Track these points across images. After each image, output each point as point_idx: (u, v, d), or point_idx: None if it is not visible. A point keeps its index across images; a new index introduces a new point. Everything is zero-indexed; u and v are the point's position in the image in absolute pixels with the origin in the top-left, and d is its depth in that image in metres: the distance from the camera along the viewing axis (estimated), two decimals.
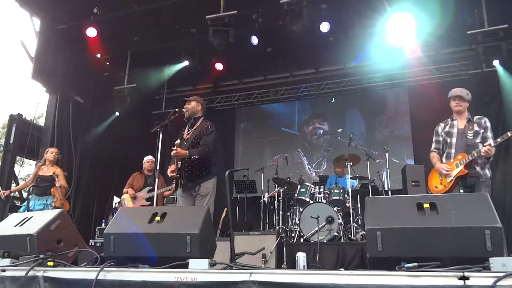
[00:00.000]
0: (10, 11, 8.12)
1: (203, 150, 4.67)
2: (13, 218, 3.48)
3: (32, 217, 3.35)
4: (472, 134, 4.34)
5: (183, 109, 4.94)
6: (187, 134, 4.88)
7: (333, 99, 10.20)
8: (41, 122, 9.09)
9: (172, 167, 4.81)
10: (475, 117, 4.47)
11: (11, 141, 7.99)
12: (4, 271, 2.76)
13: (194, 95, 5.30)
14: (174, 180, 4.86)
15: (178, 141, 4.65)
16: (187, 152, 4.57)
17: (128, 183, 7.12)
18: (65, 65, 8.31)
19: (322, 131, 10.19)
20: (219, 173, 4.88)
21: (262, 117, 10.85)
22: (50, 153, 6.66)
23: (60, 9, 7.98)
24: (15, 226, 3.29)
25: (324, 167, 9.79)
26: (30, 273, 2.63)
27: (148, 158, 7.22)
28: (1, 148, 15.94)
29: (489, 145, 4.08)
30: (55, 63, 8.14)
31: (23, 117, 8.31)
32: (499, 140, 4.14)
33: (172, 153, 4.54)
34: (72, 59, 8.45)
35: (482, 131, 4.34)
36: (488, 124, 4.39)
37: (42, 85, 8.28)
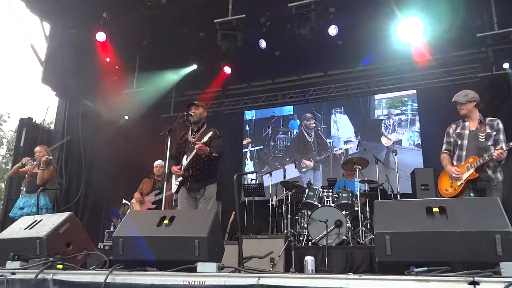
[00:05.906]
0: (21, 16, 8.20)
1: (218, 152, 4.74)
2: (23, 221, 3.51)
3: (41, 220, 3.38)
4: (484, 137, 4.22)
5: (192, 113, 4.95)
6: (193, 138, 4.91)
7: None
8: (52, 125, 9.15)
9: (177, 167, 4.85)
10: (488, 119, 4.33)
11: (21, 144, 8.02)
12: (14, 273, 2.78)
13: (202, 99, 5.32)
14: (178, 181, 4.89)
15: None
16: (209, 149, 4.60)
17: (139, 188, 7.21)
18: (74, 69, 8.34)
19: (326, 133, 10.15)
20: (226, 177, 4.90)
21: (269, 121, 10.84)
22: (39, 152, 6.39)
23: (70, 14, 8.06)
24: (24, 229, 3.32)
25: (331, 172, 9.75)
26: (40, 276, 2.65)
27: (157, 163, 7.20)
28: (12, 151, 16.06)
29: (501, 148, 3.98)
30: (64, 67, 8.21)
31: (33, 120, 8.36)
32: (511, 143, 4.06)
33: (196, 146, 4.55)
34: (82, 63, 8.49)
35: (494, 133, 4.22)
36: (501, 126, 4.26)
37: (52, 89, 8.37)
